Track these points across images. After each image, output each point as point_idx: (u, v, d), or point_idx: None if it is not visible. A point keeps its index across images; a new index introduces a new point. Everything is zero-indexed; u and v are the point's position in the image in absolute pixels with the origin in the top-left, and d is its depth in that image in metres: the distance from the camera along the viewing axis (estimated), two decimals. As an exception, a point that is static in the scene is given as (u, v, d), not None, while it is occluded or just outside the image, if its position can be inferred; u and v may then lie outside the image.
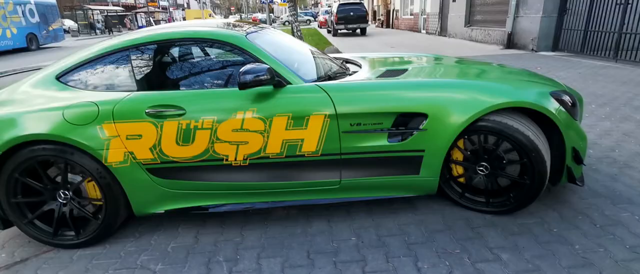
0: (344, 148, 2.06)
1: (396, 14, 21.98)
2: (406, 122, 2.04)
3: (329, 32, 20.81)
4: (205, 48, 2.24)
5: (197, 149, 2.03)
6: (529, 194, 2.08)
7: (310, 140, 2.03)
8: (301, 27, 30.86)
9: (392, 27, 22.85)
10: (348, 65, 2.83)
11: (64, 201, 2.13)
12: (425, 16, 17.26)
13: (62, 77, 2.17)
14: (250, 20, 18.27)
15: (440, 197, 2.44)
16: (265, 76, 1.92)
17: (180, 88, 2.10)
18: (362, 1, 17.90)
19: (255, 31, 2.37)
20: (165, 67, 2.16)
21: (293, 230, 2.21)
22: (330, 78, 2.25)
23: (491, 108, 1.97)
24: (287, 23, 35.52)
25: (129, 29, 39.79)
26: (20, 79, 2.25)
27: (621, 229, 2.02)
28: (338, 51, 10.77)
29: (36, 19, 18.32)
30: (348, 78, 2.20)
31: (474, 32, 12.56)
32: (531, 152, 1.97)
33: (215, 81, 2.13)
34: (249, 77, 1.88)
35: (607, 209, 2.22)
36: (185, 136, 2.01)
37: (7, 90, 2.17)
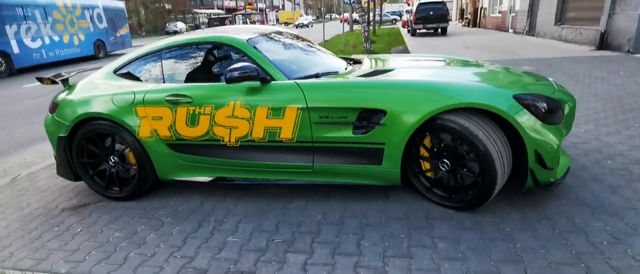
0: (315, 137, 2.38)
1: (484, 12, 20.63)
2: (369, 117, 2.28)
3: (408, 32, 20.47)
4: (215, 49, 2.75)
5: (201, 131, 2.56)
6: (482, 193, 2.16)
7: (287, 128, 2.40)
8: (385, 26, 30.68)
9: (479, 26, 21.50)
10: (355, 65, 3.11)
11: (113, 164, 2.84)
12: (513, 14, 15.97)
13: (117, 71, 2.90)
14: (339, 20, 18.81)
15: (414, 191, 2.60)
16: (252, 73, 2.35)
17: (193, 81, 2.65)
18: (445, 0, 17.24)
19: (260, 36, 2.80)
20: (184, 64, 2.74)
21: (275, 204, 2.61)
22: (317, 76, 2.59)
23: (442, 108, 2.10)
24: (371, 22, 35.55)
25: (229, 30, 43.81)
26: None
27: (580, 236, 1.99)
28: (406, 51, 10.74)
29: (104, 24, 16.70)
30: (325, 78, 2.51)
31: (564, 31, 11.34)
32: (479, 151, 2.06)
33: (220, 76, 2.63)
34: (235, 73, 2.32)
35: (580, 217, 2.16)
36: (192, 119, 2.55)
37: (84, 80, 2.98)
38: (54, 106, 2.93)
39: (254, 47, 2.60)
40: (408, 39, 16.45)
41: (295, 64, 2.72)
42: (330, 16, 65.52)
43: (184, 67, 2.74)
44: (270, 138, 2.45)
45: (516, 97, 2.12)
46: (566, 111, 2.38)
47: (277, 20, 57.88)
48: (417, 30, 17.94)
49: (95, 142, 2.82)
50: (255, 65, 2.40)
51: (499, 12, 18.20)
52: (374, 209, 2.43)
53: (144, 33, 37.89)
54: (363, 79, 2.37)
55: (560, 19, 11.87)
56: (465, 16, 24.69)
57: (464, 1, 26.12)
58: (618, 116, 3.93)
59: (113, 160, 2.83)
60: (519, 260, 1.85)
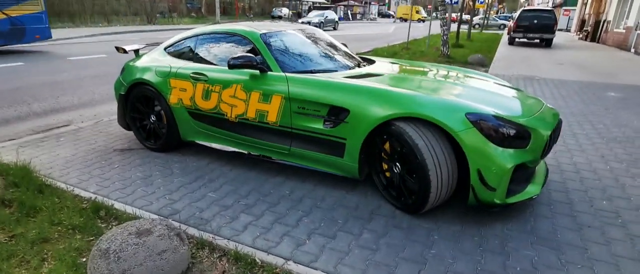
0: (293, 124, 2.75)
1: (606, 26, 17.94)
2: (337, 113, 2.56)
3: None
4: (235, 39, 3.25)
5: (211, 104, 3.11)
6: (418, 200, 2.29)
7: (272, 113, 2.81)
8: (489, 31, 28.62)
9: (598, 42, 18.78)
10: (368, 66, 3.36)
11: (152, 122, 3.58)
12: (639, 31, 13.68)
13: (166, 49, 3.61)
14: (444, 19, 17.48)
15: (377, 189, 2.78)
16: (252, 62, 2.80)
17: (213, 64, 3.20)
18: (554, 9, 15.50)
19: (272, 32, 3.22)
20: (211, 48, 3.31)
21: (260, 177, 3.05)
22: (312, 72, 2.93)
23: (393, 115, 2.29)
24: (477, 26, 33.44)
25: (330, 19, 45.15)
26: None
27: (498, 258, 2.04)
28: (484, 63, 10.14)
29: None
30: (309, 75, 2.82)
31: (694, 58, 9.47)
32: (416, 159, 2.20)
33: (233, 62, 3.14)
34: (237, 61, 2.79)
35: (515, 243, 2.17)
36: (206, 94, 3.11)
37: (148, 53, 3.77)
38: (122, 70, 3.77)
39: (264, 41, 3.04)
40: (502, 47, 15.27)
41: (297, 59, 3.09)
42: (437, 15, 62.79)
43: (210, 51, 3.31)
44: (260, 119, 2.89)
45: (468, 115, 2.20)
46: (542, 138, 2.34)
47: (385, 15, 57.44)
48: (516, 39, 16.48)
49: (142, 102, 3.58)
50: (257, 56, 2.85)
51: (624, 28, 15.70)
52: (333, 196, 2.72)
53: (252, 15, 41.18)
54: (336, 79, 2.65)
55: (692, 43, 9.92)
56: (584, 28, 21.72)
57: (587, 11, 22.93)
58: (668, 161, 3.46)
59: (152, 118, 3.57)
60: (422, 262, 2.00)
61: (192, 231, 2.27)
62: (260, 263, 1.99)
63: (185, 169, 3.20)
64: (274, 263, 1.99)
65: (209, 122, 3.21)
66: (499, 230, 2.31)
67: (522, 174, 2.41)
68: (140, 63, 3.61)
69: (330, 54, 3.41)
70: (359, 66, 3.33)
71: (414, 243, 2.17)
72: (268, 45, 3.03)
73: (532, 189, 2.43)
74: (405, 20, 45.58)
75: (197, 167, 3.23)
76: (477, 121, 2.19)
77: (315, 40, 3.52)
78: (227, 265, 2.00)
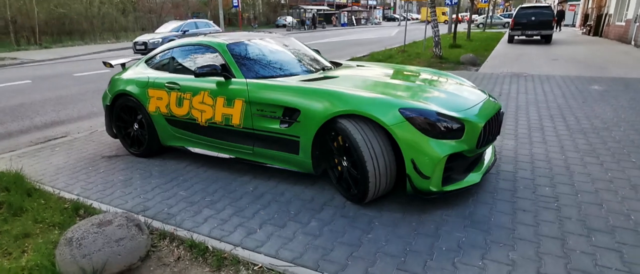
0: (255, 125, 2.98)
1: (608, 20, 17.80)
2: (290, 114, 2.79)
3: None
4: (206, 50, 3.51)
5: (184, 111, 3.37)
6: (361, 190, 2.50)
7: (236, 116, 3.05)
8: (492, 30, 28.56)
9: (601, 35, 18.62)
10: (336, 69, 3.59)
11: (135, 129, 3.87)
12: (638, 23, 13.58)
13: (147, 62, 3.91)
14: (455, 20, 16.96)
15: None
16: (214, 70, 3.05)
17: (186, 74, 3.47)
18: (551, 4, 15.50)
19: (239, 41, 3.48)
20: (184, 59, 3.58)
21: (230, 176, 3.29)
22: (273, 77, 3.17)
23: (336, 113, 2.50)
24: (481, 25, 33.42)
25: (334, 25, 45.62)
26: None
27: (428, 240, 2.23)
28: (475, 62, 10.25)
29: None
30: (265, 80, 3.05)
31: (689, 48, 9.41)
32: (355, 152, 2.41)
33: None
34: (204, 70, 3.05)
35: (449, 227, 2.35)
36: (179, 102, 3.38)
37: (131, 67, 4.07)
38: (109, 83, 4.08)
39: (230, 51, 3.30)
40: (500, 46, 15.31)
41: (259, 66, 3.33)
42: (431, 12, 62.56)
43: (183, 62, 3.59)
44: (226, 123, 3.13)
45: (402, 110, 2.40)
46: (477, 129, 2.52)
47: (390, 18, 57.69)
48: (515, 37, 16.48)
49: (125, 111, 3.87)
50: (222, 65, 3.10)
51: (624, 21, 15.58)
52: (292, 191, 2.93)
53: (257, 25, 41.84)
54: (288, 83, 2.88)
55: (687, 33, 9.85)
56: (587, 23, 21.55)
57: (589, 5, 22.74)
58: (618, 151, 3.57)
59: (135, 126, 3.85)
60: (357, 245, 2.20)
61: (156, 223, 2.52)
62: (211, 249, 2.22)
63: (164, 172, 3.47)
64: (224, 248, 2.22)
65: (183, 127, 3.47)
66: (437, 216, 2.49)
67: (461, 164, 2.59)
68: (124, 76, 3.91)
69: (293, 60, 3.64)
70: (323, 70, 3.56)
71: (354, 229, 2.37)
72: (233, 54, 3.28)
73: (471, 178, 2.61)
74: (429, 22, 44.23)
75: (174, 170, 3.49)
76: (412, 116, 2.38)
77: (282, 48, 3.76)
78: (182, 252, 2.24)
